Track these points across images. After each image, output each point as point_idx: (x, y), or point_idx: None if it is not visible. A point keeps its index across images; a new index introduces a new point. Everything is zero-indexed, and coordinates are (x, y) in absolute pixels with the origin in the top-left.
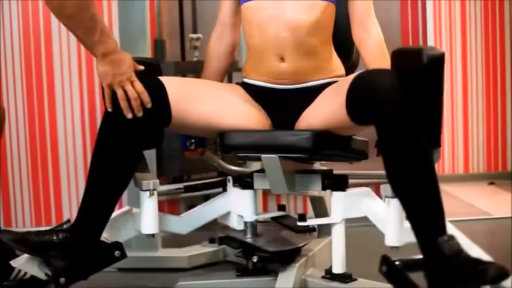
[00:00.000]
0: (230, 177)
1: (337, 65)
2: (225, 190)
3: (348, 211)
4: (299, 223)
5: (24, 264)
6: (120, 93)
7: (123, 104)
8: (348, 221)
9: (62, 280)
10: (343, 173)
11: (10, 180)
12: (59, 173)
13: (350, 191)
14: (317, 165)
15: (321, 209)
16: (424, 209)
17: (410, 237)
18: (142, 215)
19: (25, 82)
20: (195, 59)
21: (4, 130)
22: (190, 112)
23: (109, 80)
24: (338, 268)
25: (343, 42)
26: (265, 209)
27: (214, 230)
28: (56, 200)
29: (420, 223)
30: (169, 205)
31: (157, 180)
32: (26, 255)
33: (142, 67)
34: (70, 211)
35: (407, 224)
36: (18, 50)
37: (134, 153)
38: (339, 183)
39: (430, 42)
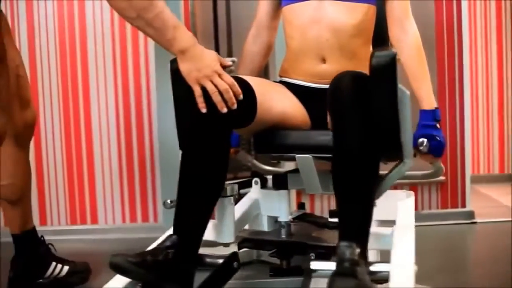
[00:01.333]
0: (257, 179)
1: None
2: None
3: (380, 212)
4: (330, 219)
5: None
6: (210, 87)
7: (215, 97)
8: (382, 221)
9: None
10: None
11: (46, 180)
12: (94, 172)
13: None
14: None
15: None
16: (347, 211)
17: None
18: (224, 223)
19: (60, 83)
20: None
21: (36, 131)
22: (270, 111)
23: (194, 75)
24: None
25: (380, 42)
26: None
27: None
28: (91, 200)
29: (341, 224)
30: None
31: (235, 185)
32: (117, 279)
33: (230, 63)
34: (104, 210)
35: None
36: (53, 51)
37: (227, 152)
38: None
39: (465, 42)
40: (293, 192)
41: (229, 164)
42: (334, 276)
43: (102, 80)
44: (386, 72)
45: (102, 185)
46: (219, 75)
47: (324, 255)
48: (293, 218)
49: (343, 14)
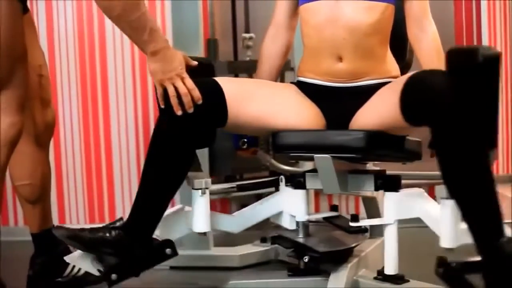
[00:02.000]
0: (282, 177)
1: (393, 66)
2: (277, 189)
3: (401, 212)
4: (351, 224)
5: (77, 259)
6: (170, 89)
7: (173, 100)
8: (400, 222)
9: (113, 276)
10: (396, 174)
11: (65, 178)
12: (113, 171)
13: (403, 192)
14: (370, 165)
15: (373, 209)
16: (481, 210)
17: (465, 238)
18: (194, 213)
19: (79, 84)
20: (247, 58)
21: (55, 131)
22: (246, 112)
23: (159, 77)
24: (390, 269)
25: (397, 42)
26: (317, 209)
27: (265, 229)
28: (109, 198)
29: (478, 225)
30: (221, 204)
31: (209, 179)
32: (79, 252)
33: (195, 63)
34: (123, 208)
35: (462, 225)
36: (72, 52)
37: (188, 152)
38: (392, 184)
39: (485, 42)
40: (312, 192)
41: (248, 164)
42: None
43: (121, 81)
44: (494, 67)
45: (120, 184)
46: (182, 79)
47: (317, 259)
48: (324, 219)
49: (360, 13)
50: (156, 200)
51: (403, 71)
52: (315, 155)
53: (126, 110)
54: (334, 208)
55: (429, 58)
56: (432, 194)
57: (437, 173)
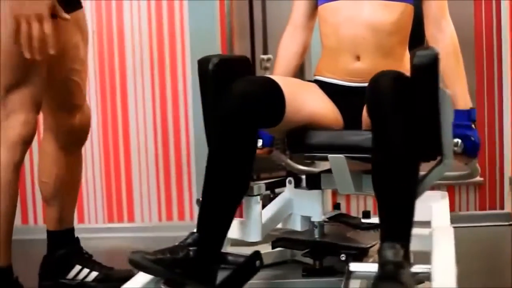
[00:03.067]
0: (291, 178)
1: (409, 65)
2: (273, 192)
3: (419, 214)
4: (363, 220)
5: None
6: (23, 28)
7: (23, 39)
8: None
9: None
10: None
11: (84, 179)
12: (131, 171)
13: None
14: None
15: None
16: (390, 212)
17: None
18: (250, 222)
19: (98, 83)
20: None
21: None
22: (299, 110)
23: (17, 11)
24: None
25: (416, 42)
26: None
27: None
28: (128, 198)
29: (382, 225)
30: None
31: (264, 184)
32: (139, 276)
33: (67, 16)
34: (141, 208)
35: None
36: (91, 50)
37: (254, 152)
38: None
39: (505, 43)
40: (328, 192)
41: (264, 163)
42: (378, 280)
43: (140, 80)
44: (428, 71)
45: (139, 184)
46: (40, 20)
47: (355, 256)
48: (328, 218)
49: (379, 12)
50: (226, 208)
51: None
52: (329, 155)
53: (144, 109)
54: (337, 206)
55: (446, 58)
56: (451, 194)
57: (455, 173)
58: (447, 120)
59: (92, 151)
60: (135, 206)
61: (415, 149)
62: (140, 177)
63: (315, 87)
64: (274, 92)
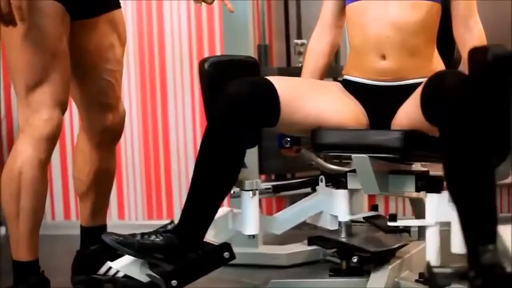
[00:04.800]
0: (322, 177)
1: (438, 65)
2: (314, 190)
3: (442, 214)
4: (389, 223)
5: (125, 266)
6: None
7: None
8: (444, 224)
9: (173, 282)
10: (439, 175)
11: (124, 175)
12: (171, 168)
13: (445, 193)
14: (417, 166)
15: (420, 210)
16: (473, 216)
17: None
18: (244, 215)
19: (139, 82)
20: (299, 64)
21: None
22: (298, 111)
23: None
24: None
25: (445, 41)
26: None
27: (306, 230)
28: (167, 195)
29: (468, 230)
30: (276, 202)
31: (259, 180)
32: (127, 257)
33: None
34: (180, 206)
35: None
36: (132, 50)
37: (239, 152)
38: (433, 185)
39: None
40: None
41: (300, 162)
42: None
43: (179, 79)
44: (504, 68)
45: (178, 181)
46: None
47: (368, 259)
48: (364, 219)
49: (406, 11)
50: (208, 202)
51: None
52: (353, 155)
53: (184, 108)
54: (374, 207)
55: None
56: None
57: None
58: None
59: (132, 149)
60: (174, 203)
61: (491, 150)
62: (179, 175)
63: (333, 87)
64: (266, 93)
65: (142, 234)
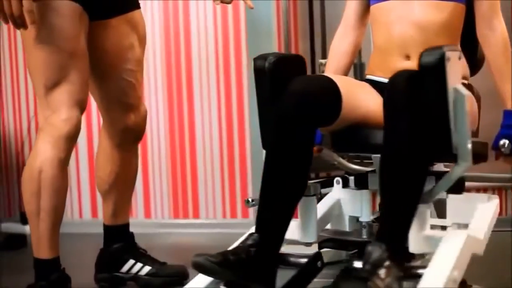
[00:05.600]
0: (338, 178)
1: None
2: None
3: (462, 216)
4: None
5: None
6: (6, 5)
7: (2, 15)
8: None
9: None
10: (462, 176)
11: (150, 174)
12: (196, 168)
13: (466, 195)
14: (440, 166)
15: (440, 211)
16: (388, 211)
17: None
18: (305, 222)
19: (165, 82)
20: None
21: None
22: (354, 109)
23: None
24: None
25: (469, 41)
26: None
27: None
28: (193, 194)
29: (380, 225)
30: None
31: (318, 185)
32: (199, 278)
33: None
34: (206, 205)
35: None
36: (159, 50)
37: (310, 150)
38: (454, 186)
39: None
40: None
41: (323, 162)
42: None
43: (205, 79)
44: (434, 71)
45: (204, 180)
46: None
47: None
48: (375, 219)
49: (429, 11)
50: (284, 209)
51: (474, 71)
52: (373, 155)
53: (210, 107)
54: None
55: (495, 57)
56: (501, 196)
57: (505, 175)
58: (461, 121)
59: (159, 147)
60: (200, 202)
61: (423, 149)
62: (205, 174)
63: (368, 87)
64: (332, 91)
65: (233, 252)
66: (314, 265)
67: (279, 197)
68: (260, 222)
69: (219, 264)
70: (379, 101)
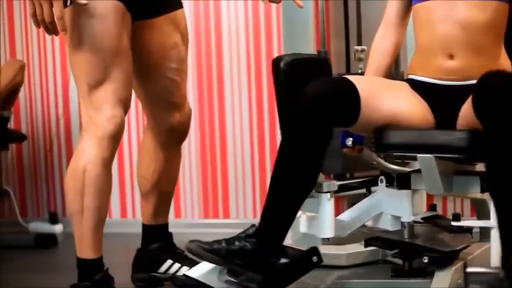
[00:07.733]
0: (382, 177)
1: (506, 64)
2: (368, 191)
3: None
4: (453, 223)
5: (203, 274)
6: (38, 10)
7: (33, 20)
8: None
9: None
10: None
11: (181, 173)
12: (227, 167)
13: None
14: (481, 167)
15: (483, 211)
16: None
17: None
18: (321, 218)
19: (196, 81)
20: (359, 71)
21: None
22: (376, 110)
23: None
24: None
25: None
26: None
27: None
28: (223, 194)
29: (503, 231)
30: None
31: (336, 182)
32: (204, 265)
33: (84, 2)
34: (236, 205)
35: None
36: (190, 49)
37: (324, 151)
38: None
39: None
40: (423, 192)
41: (360, 162)
42: None
43: (236, 79)
44: None
45: (234, 180)
46: (51, 3)
47: (438, 260)
48: (422, 219)
49: (473, 11)
50: (291, 204)
51: None
52: (418, 155)
53: (241, 107)
54: (432, 207)
55: None
56: None
57: None
58: None
59: (189, 147)
60: (231, 202)
61: None
62: (235, 174)
63: (402, 86)
64: (348, 93)
65: (227, 241)
66: (308, 259)
67: (287, 193)
68: (264, 215)
69: (209, 251)
70: (415, 101)
